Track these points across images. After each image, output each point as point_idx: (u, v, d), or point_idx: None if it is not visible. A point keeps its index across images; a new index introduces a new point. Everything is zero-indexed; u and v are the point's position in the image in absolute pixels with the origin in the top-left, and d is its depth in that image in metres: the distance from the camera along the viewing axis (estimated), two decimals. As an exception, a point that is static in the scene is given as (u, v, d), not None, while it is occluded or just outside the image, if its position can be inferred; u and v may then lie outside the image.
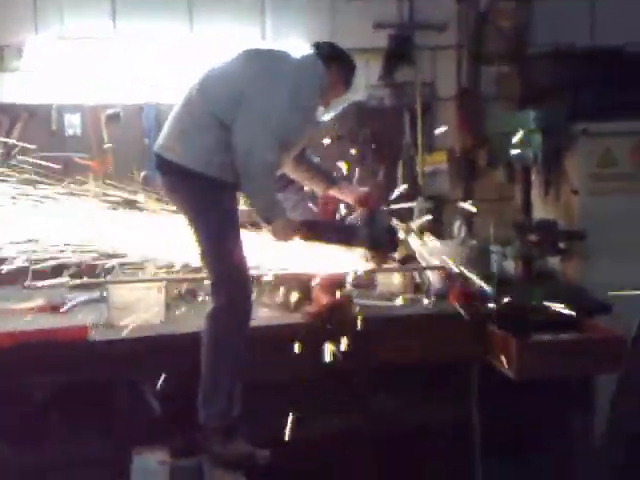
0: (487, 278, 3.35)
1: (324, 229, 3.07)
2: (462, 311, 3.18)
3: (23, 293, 3.16)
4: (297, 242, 2.91)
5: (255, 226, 2.91)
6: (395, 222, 3.33)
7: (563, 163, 3.79)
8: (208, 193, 2.67)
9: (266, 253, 3.03)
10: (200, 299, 3.44)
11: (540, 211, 3.84)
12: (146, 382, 2.86)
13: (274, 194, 2.78)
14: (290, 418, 2.82)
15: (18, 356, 2.78)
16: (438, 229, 3.84)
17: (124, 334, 2.94)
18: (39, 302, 3.13)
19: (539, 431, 3.39)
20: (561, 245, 3.62)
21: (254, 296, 2.93)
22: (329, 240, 3.05)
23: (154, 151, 2.79)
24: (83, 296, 3.30)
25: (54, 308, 3.15)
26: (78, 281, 3.12)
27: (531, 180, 3.76)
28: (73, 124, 4.36)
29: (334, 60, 2.80)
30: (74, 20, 4.39)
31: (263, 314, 3.27)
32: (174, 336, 2.99)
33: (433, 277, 3.48)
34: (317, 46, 2.82)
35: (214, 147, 2.63)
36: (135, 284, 3.10)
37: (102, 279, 3.17)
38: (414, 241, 3.51)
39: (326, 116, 2.95)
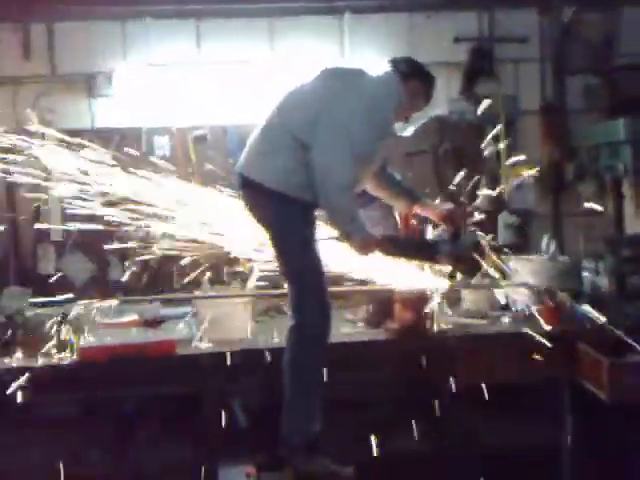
0: (578, 295, 3.24)
1: (405, 244, 3.05)
2: (552, 330, 3.08)
3: (119, 308, 3.28)
4: (378, 257, 2.90)
5: (339, 240, 2.92)
6: (480, 239, 3.27)
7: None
8: (288, 212, 2.70)
9: (348, 267, 3.03)
10: (284, 314, 3.47)
11: (632, 225, 3.70)
12: (233, 396, 2.90)
13: (354, 209, 2.78)
14: (372, 436, 2.79)
15: (112, 369, 2.90)
16: (525, 244, 3.74)
17: (211, 348, 2.99)
18: (133, 317, 3.23)
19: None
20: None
21: (334, 312, 2.93)
22: (410, 255, 3.02)
23: (236, 170, 2.86)
24: (175, 311, 3.39)
25: (147, 323, 3.25)
26: (169, 296, 3.20)
27: (622, 193, 3.63)
28: (162, 146, 4.53)
29: (412, 76, 2.79)
30: (161, 46, 4.57)
31: (345, 330, 3.26)
32: (259, 351, 3.03)
33: (521, 294, 3.38)
34: (394, 62, 2.82)
35: (294, 166, 2.67)
36: (223, 300, 3.16)
37: (191, 295, 3.25)
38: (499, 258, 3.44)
39: (407, 131, 2.93)
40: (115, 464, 2.83)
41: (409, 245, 3.07)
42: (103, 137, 4.39)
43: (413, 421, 2.99)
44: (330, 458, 2.68)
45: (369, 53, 4.57)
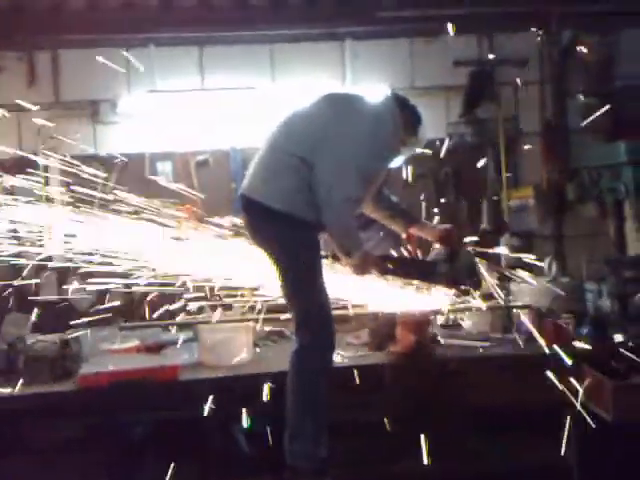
0: (581, 317, 3.22)
1: (404, 264, 3.05)
2: (554, 351, 3.06)
3: (120, 334, 3.28)
4: (378, 278, 2.90)
5: (336, 259, 2.92)
6: (478, 260, 3.27)
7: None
8: (292, 233, 2.71)
9: (349, 290, 3.03)
10: (287, 339, 3.47)
11: (634, 246, 3.69)
12: (235, 420, 2.89)
13: (355, 229, 2.80)
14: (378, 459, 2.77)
15: (113, 395, 2.89)
16: (528, 266, 3.73)
17: (212, 374, 2.99)
18: (134, 342, 3.23)
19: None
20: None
21: (337, 335, 2.92)
22: (409, 276, 3.02)
23: (240, 192, 2.87)
24: (176, 336, 3.39)
25: (148, 349, 3.25)
26: (171, 322, 3.21)
27: (624, 214, 3.63)
28: (165, 171, 4.57)
29: (406, 107, 2.85)
30: (164, 75, 4.63)
31: (347, 353, 3.25)
32: (261, 375, 3.02)
33: (524, 316, 3.37)
34: (392, 91, 2.88)
35: (297, 187, 2.68)
36: (224, 325, 3.16)
37: (193, 320, 3.25)
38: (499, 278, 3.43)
39: (396, 162, 2.95)
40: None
41: (408, 265, 3.08)
42: (106, 163, 4.48)
43: (418, 442, 2.99)
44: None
45: (370, 78, 4.62)
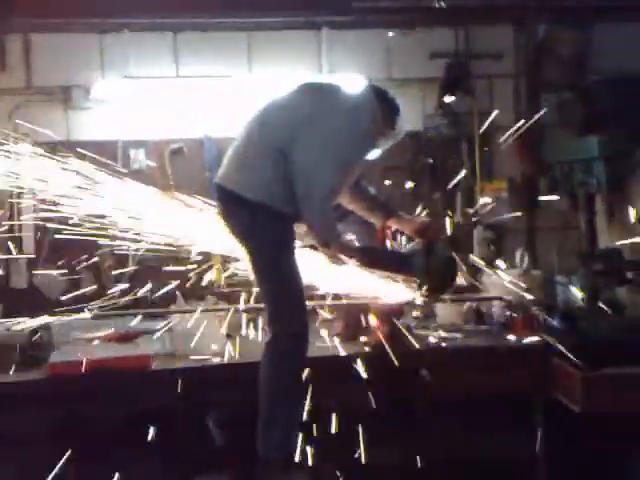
0: (551, 309, 3.27)
1: (381, 256, 3.06)
2: (524, 343, 3.11)
3: (92, 322, 3.24)
4: (354, 269, 2.91)
5: (313, 249, 2.92)
6: (454, 254, 3.29)
7: (627, 190, 3.69)
8: (266, 223, 2.70)
9: (324, 280, 3.04)
10: (260, 329, 3.46)
11: (605, 240, 3.75)
12: (207, 411, 2.88)
13: (333, 220, 2.80)
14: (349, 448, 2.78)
15: (85, 384, 2.87)
16: (499, 258, 3.77)
17: (185, 363, 2.97)
18: (107, 331, 3.20)
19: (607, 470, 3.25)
20: (628, 275, 3.50)
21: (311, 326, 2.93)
22: (384, 267, 3.03)
23: (215, 182, 2.85)
24: (149, 325, 3.36)
25: (121, 337, 3.22)
26: (144, 311, 3.18)
27: (595, 208, 3.68)
28: (138, 159, 4.51)
29: (384, 99, 2.85)
30: (138, 60, 4.55)
31: (320, 344, 3.26)
32: (234, 366, 3.02)
33: (495, 308, 3.41)
34: (370, 82, 2.87)
35: (274, 177, 2.67)
36: (197, 314, 3.15)
37: (166, 310, 3.24)
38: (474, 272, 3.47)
39: (373, 154, 2.96)
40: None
41: (383, 256, 3.09)
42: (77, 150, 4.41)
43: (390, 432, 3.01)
44: (307, 473, 2.68)
45: (346, 68, 4.58)
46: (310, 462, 2.72)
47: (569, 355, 3.05)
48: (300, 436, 2.71)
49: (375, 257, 3.00)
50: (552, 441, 3.22)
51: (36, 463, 2.85)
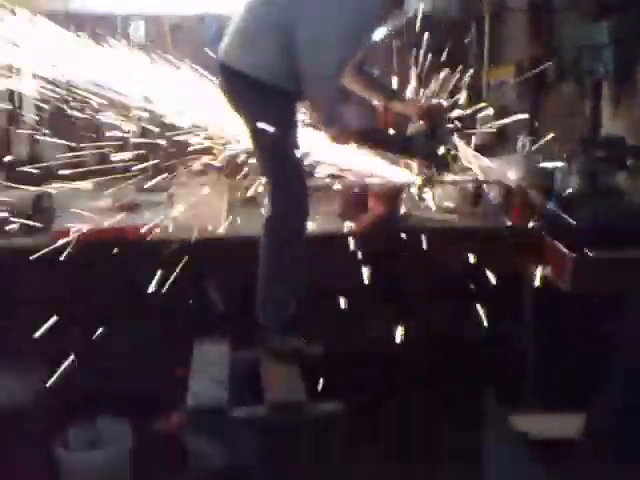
0: (548, 193, 3.28)
1: (383, 137, 3.05)
2: (520, 226, 3.15)
3: (94, 193, 3.27)
4: (355, 150, 2.91)
5: (314, 128, 2.91)
6: (457, 138, 3.26)
7: (636, 78, 3.61)
8: (268, 100, 2.67)
9: (324, 159, 3.04)
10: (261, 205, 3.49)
11: (609, 127, 3.71)
12: (208, 280, 2.96)
13: (336, 98, 2.77)
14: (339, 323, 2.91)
15: (85, 252, 2.92)
16: (502, 143, 3.76)
17: (186, 235, 3.03)
18: (107, 202, 3.23)
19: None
20: (629, 162, 3.49)
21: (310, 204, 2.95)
22: (387, 149, 3.03)
23: (217, 58, 2.80)
24: (150, 197, 3.39)
25: (122, 207, 3.26)
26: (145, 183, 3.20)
27: (601, 95, 3.61)
28: (138, 33, 4.40)
29: None
30: None
31: (319, 221, 3.31)
32: (234, 238, 3.07)
33: (493, 191, 3.43)
34: None
35: (276, 53, 2.61)
36: (198, 187, 3.17)
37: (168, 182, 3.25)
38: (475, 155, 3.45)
39: (378, 34, 2.87)
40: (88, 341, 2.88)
41: (384, 138, 3.08)
42: (76, 22, 4.28)
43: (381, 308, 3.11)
44: (301, 339, 2.79)
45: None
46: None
47: (563, 238, 3.11)
48: (295, 305, 2.80)
49: (376, 138, 2.99)
50: (540, 320, 3.32)
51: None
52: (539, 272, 3.20)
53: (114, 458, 2.96)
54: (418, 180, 3.14)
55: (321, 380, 2.62)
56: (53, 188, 3.10)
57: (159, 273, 2.92)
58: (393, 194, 3.35)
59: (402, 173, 3.16)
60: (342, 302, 2.94)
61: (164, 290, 2.92)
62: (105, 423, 3.05)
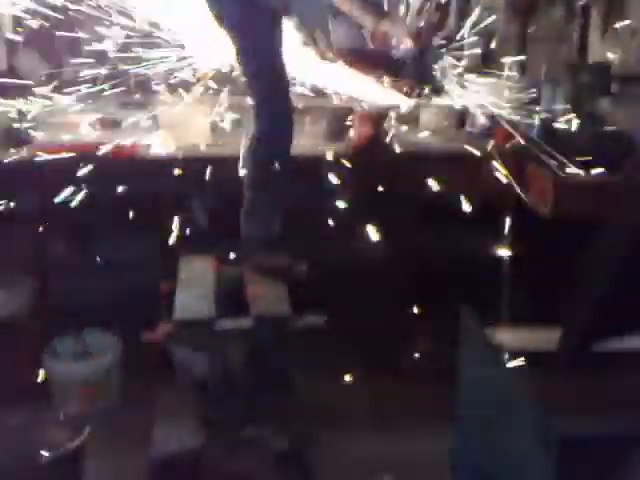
0: (532, 117, 3.29)
1: (370, 56, 3.02)
2: (503, 147, 3.17)
3: (77, 108, 3.20)
4: (342, 69, 2.87)
5: (303, 45, 2.86)
6: (445, 61, 3.23)
7: (624, 4, 3.58)
8: (254, 16, 2.61)
9: (311, 77, 3.01)
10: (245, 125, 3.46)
11: (596, 54, 3.69)
12: (194, 197, 2.97)
13: (325, 15, 2.72)
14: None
15: (68, 167, 2.88)
16: (488, 66, 3.72)
17: (171, 152, 3.01)
18: (93, 116, 3.18)
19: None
20: (614, 89, 3.50)
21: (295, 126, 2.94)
22: (374, 70, 3.00)
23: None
24: (132, 114, 3.34)
25: (106, 123, 3.21)
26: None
27: (589, 18, 3.58)
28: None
29: None
30: None
31: (304, 142, 3.30)
32: (218, 157, 3.06)
33: (478, 115, 3.43)
34: None
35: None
36: (183, 105, 3.13)
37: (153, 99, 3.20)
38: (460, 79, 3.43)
39: None
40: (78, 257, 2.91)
41: (372, 58, 3.04)
42: None
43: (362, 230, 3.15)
44: (287, 254, 2.83)
45: None
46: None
47: (546, 162, 3.13)
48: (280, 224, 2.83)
49: (364, 57, 2.96)
50: (520, 241, 3.37)
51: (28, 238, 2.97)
52: (521, 194, 3.24)
53: (100, 368, 3.04)
54: (405, 103, 3.14)
55: (305, 295, 2.67)
56: (35, 102, 3.03)
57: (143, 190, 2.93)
58: (380, 115, 3.33)
59: (389, 94, 3.15)
60: (327, 221, 2.98)
61: (150, 207, 2.94)
62: (93, 335, 3.11)
